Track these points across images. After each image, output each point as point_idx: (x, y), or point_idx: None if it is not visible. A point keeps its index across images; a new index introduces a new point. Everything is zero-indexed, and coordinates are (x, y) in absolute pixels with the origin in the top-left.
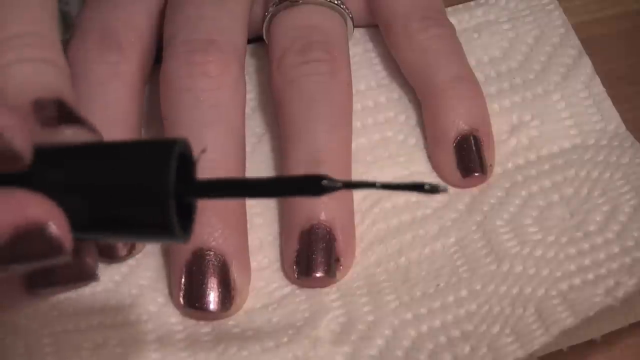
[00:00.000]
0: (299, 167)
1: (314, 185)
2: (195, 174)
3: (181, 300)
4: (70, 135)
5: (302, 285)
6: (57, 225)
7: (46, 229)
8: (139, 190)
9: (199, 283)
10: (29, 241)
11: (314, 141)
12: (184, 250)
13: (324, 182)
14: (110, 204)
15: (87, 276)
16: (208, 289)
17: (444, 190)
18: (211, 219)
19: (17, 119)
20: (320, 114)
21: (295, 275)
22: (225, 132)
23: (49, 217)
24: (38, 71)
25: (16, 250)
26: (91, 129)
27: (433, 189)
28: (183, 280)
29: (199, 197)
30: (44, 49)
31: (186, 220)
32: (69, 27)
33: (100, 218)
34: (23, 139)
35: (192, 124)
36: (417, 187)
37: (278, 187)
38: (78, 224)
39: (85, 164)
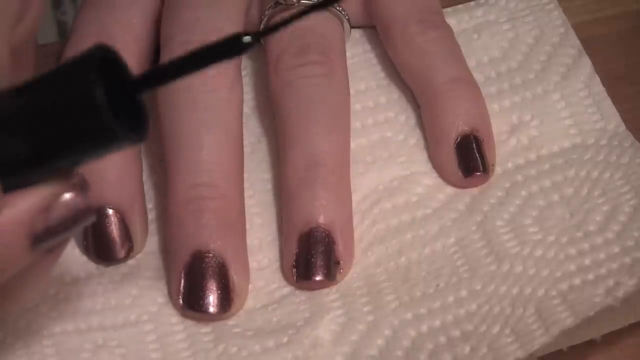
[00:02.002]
0: (297, 170)
1: (235, 43)
2: (127, 74)
3: (180, 302)
4: None
5: (301, 288)
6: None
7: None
8: (71, 103)
9: (198, 285)
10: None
11: (311, 143)
12: (183, 252)
13: (245, 38)
14: (51, 127)
15: (84, 215)
16: (207, 292)
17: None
18: (210, 222)
19: None
20: (317, 116)
21: (295, 279)
22: (222, 134)
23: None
24: None
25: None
26: None
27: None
28: (182, 282)
29: (136, 92)
30: None
31: (138, 120)
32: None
33: (49, 146)
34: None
35: (188, 125)
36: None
37: (203, 56)
38: (28, 159)
39: (15, 102)
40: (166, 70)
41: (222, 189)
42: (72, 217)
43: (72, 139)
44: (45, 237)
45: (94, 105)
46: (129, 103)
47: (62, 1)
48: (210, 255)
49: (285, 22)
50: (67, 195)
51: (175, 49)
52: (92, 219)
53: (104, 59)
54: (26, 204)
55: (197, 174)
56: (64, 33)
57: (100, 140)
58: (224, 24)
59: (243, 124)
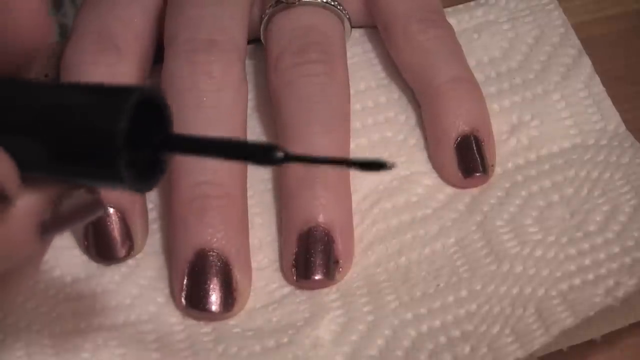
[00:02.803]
0: (297, 169)
1: (268, 153)
2: (168, 128)
3: (183, 301)
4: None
5: (301, 288)
6: (4, 176)
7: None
8: (91, 132)
9: (201, 284)
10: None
11: (311, 143)
12: (186, 251)
13: (278, 153)
14: (64, 145)
15: (92, 208)
16: (210, 290)
17: (389, 167)
18: (213, 220)
19: (7, 162)
20: (317, 115)
21: (294, 278)
22: (227, 133)
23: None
24: None
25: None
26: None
27: (379, 165)
28: (185, 281)
29: (160, 150)
30: None
31: (153, 171)
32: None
33: (55, 160)
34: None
35: (194, 124)
36: (367, 165)
37: (234, 150)
38: (37, 164)
39: (38, 102)
40: (201, 144)
41: (226, 187)
42: (81, 210)
43: (78, 157)
44: (54, 227)
45: (111, 144)
46: (152, 152)
47: (63, 3)
48: (214, 253)
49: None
50: (78, 189)
51: (179, 47)
52: (100, 212)
53: (151, 100)
54: (38, 195)
55: (201, 173)
56: (65, 35)
57: (105, 177)
58: (228, 22)
59: None
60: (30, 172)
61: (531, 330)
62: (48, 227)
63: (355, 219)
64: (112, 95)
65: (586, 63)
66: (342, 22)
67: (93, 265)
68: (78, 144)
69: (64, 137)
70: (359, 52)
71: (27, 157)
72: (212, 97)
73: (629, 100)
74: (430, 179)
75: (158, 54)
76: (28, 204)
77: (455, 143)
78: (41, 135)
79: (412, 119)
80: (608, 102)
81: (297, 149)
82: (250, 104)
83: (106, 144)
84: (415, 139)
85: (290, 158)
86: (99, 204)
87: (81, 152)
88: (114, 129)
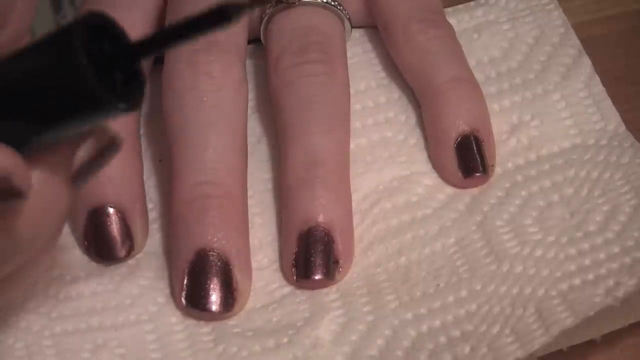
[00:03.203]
0: (297, 169)
1: (219, 15)
2: (124, 40)
3: (183, 301)
4: None
5: (301, 288)
6: (19, 173)
7: (11, 177)
8: (57, 71)
9: (201, 284)
10: None
11: (311, 143)
12: (186, 251)
13: (227, 9)
14: (38, 96)
15: (111, 146)
16: (210, 290)
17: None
18: (214, 220)
19: (17, 159)
20: (317, 115)
21: (294, 278)
22: (228, 133)
23: (13, 166)
24: None
25: None
26: None
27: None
28: (185, 281)
29: (130, 60)
30: None
31: (132, 88)
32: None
33: (44, 125)
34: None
35: (195, 124)
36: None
37: (194, 26)
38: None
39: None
40: (162, 37)
41: (227, 187)
42: (101, 152)
43: (61, 109)
44: (83, 175)
45: (77, 71)
46: (127, 71)
47: (62, 5)
48: (214, 253)
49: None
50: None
51: (180, 47)
52: (119, 147)
53: (99, 27)
54: (52, 161)
55: (202, 173)
56: None
57: (87, 108)
58: None
59: None
60: (28, 146)
61: (531, 330)
62: (77, 179)
63: (355, 219)
64: (64, 31)
65: (586, 63)
66: (342, 22)
67: (93, 265)
68: (56, 102)
69: (39, 102)
70: (359, 52)
71: (17, 136)
72: (213, 97)
73: (629, 100)
74: (430, 179)
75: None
76: (44, 177)
77: (455, 143)
78: (19, 110)
79: (412, 119)
80: (608, 102)
81: (297, 148)
82: (250, 104)
83: (79, 84)
84: (415, 139)
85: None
86: (115, 140)
87: (55, 96)
88: (74, 53)
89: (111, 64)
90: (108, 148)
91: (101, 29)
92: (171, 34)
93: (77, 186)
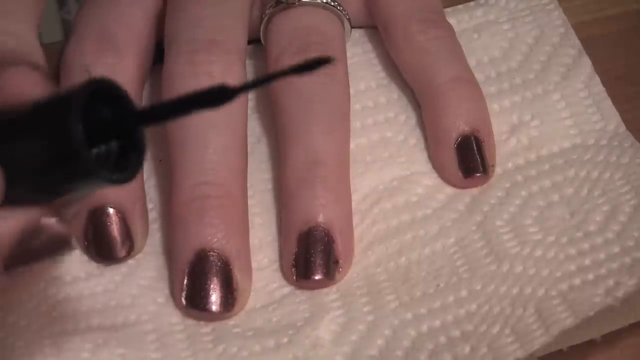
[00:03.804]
0: (297, 169)
1: (217, 95)
2: (128, 106)
3: (183, 301)
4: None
5: (301, 288)
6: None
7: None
8: (53, 140)
9: (201, 284)
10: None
11: (311, 143)
12: (186, 251)
13: (226, 90)
14: (31, 162)
15: (61, 244)
16: (210, 290)
17: (328, 62)
18: (214, 220)
19: None
20: (317, 115)
21: (294, 278)
22: (228, 133)
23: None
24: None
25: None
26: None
27: (320, 62)
28: (185, 281)
29: (134, 126)
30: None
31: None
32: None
33: (33, 179)
34: None
35: (195, 124)
36: (305, 67)
37: (195, 101)
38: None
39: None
40: (164, 109)
41: (227, 187)
42: (49, 245)
43: (52, 173)
44: (19, 262)
45: (70, 144)
46: (128, 138)
47: (67, 1)
48: (214, 253)
49: (267, 80)
50: (48, 223)
51: (180, 47)
52: (67, 249)
53: (104, 90)
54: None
55: (202, 173)
56: (69, 31)
57: (80, 179)
58: (228, 22)
59: None
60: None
61: (531, 330)
62: (13, 261)
63: (355, 219)
64: (61, 100)
65: (586, 63)
66: (342, 22)
67: (93, 265)
68: (47, 165)
69: (29, 163)
70: (359, 52)
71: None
72: None
73: (629, 100)
74: (430, 179)
75: (158, 54)
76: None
77: (455, 143)
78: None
79: (412, 119)
80: (608, 102)
81: (297, 148)
82: (250, 104)
83: (72, 155)
84: (415, 139)
85: (241, 89)
86: (67, 241)
87: (54, 171)
88: (69, 129)
89: (111, 130)
90: (59, 245)
91: (105, 93)
92: (173, 107)
93: (7, 268)
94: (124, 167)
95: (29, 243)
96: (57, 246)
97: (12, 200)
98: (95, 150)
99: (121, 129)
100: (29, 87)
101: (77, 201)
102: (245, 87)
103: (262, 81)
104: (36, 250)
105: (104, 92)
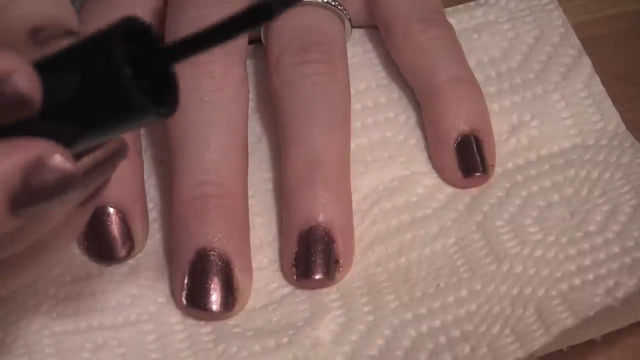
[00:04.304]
0: (297, 169)
1: (265, 9)
2: (158, 45)
3: (184, 300)
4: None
5: (301, 287)
6: (61, 155)
7: (51, 161)
8: (97, 80)
9: (201, 283)
10: (40, 177)
11: (312, 142)
12: (187, 250)
13: (254, 10)
14: (77, 102)
15: (68, 180)
16: (211, 290)
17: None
18: (215, 220)
19: (22, 61)
20: (318, 114)
21: (294, 278)
22: (228, 133)
23: (51, 150)
24: (38, 2)
25: (32, 189)
26: None
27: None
28: (186, 280)
29: (166, 64)
30: None
31: (166, 92)
32: None
33: (84, 125)
34: (31, 81)
35: (196, 124)
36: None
37: (235, 24)
38: (69, 139)
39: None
40: (196, 40)
41: (227, 187)
42: (56, 183)
43: (99, 115)
44: (27, 201)
45: (120, 83)
46: (158, 74)
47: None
48: (215, 253)
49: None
50: (56, 158)
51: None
52: (78, 191)
53: (132, 30)
54: (8, 160)
55: (203, 172)
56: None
57: (128, 116)
58: None
59: None
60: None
61: (531, 330)
62: (20, 201)
63: (355, 219)
64: (101, 38)
65: (586, 63)
66: (343, 22)
67: (93, 265)
68: (88, 96)
69: (79, 106)
70: (359, 52)
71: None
72: (214, 97)
73: (629, 100)
74: (430, 179)
75: None
76: None
77: (455, 143)
78: (58, 112)
79: (412, 119)
80: (608, 102)
81: (298, 148)
82: (251, 104)
83: (115, 83)
84: (415, 139)
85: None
86: (123, 147)
87: (94, 103)
88: (116, 65)
89: (145, 68)
90: (116, 154)
91: (133, 33)
92: (205, 36)
93: (18, 211)
94: (164, 101)
95: (34, 181)
96: (64, 183)
97: (41, 130)
98: (140, 85)
99: (153, 66)
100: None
101: (99, 147)
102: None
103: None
104: (45, 189)
105: (132, 30)
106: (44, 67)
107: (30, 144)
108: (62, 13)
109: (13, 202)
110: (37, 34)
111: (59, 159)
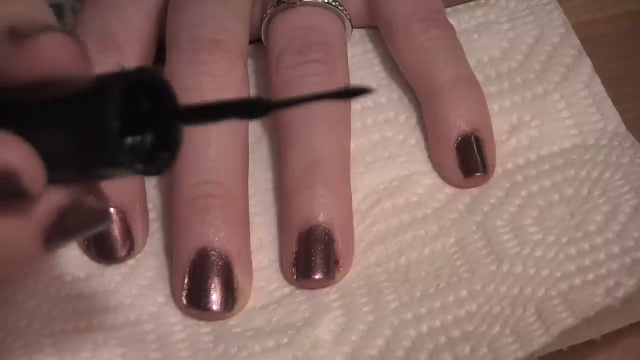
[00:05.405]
0: (297, 169)
1: (253, 106)
2: (172, 101)
3: (184, 300)
4: (49, 49)
5: (301, 287)
6: (30, 172)
7: (19, 175)
8: (87, 130)
9: (202, 283)
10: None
11: (311, 142)
12: (187, 251)
13: (262, 102)
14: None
15: (99, 218)
16: (211, 290)
17: (366, 92)
18: (215, 220)
19: (32, 157)
20: (317, 115)
21: (294, 277)
22: (229, 133)
23: (24, 163)
24: (13, 4)
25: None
26: (68, 35)
27: (353, 92)
28: (186, 280)
29: (172, 122)
30: None
31: (167, 146)
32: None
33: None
34: (37, 178)
35: None
36: (338, 94)
37: (221, 110)
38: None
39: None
40: (205, 110)
41: (228, 187)
42: (88, 221)
43: (85, 163)
44: (59, 237)
45: (103, 136)
46: (164, 130)
47: (64, 13)
48: (215, 253)
49: (299, 101)
50: (86, 199)
51: (182, 46)
52: (106, 224)
53: (149, 80)
54: (45, 202)
55: (203, 172)
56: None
57: (112, 168)
58: (230, 22)
59: None
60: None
61: (531, 330)
62: (53, 237)
63: (356, 219)
64: (94, 95)
65: (586, 63)
66: (343, 22)
67: (93, 265)
68: (79, 149)
69: (62, 143)
70: (359, 53)
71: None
72: (214, 97)
73: (629, 100)
74: (430, 179)
75: (159, 54)
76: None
77: (455, 143)
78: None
79: (412, 119)
80: (608, 102)
81: (298, 148)
82: None
83: (102, 142)
84: (415, 139)
85: (275, 105)
86: (105, 215)
87: (84, 155)
88: (103, 120)
89: (150, 121)
90: (96, 220)
91: (150, 83)
92: (212, 110)
93: (49, 244)
94: (157, 159)
95: (68, 219)
96: (95, 221)
97: (51, 179)
98: (129, 139)
99: (159, 122)
100: (66, 57)
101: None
102: (282, 103)
103: (298, 101)
104: (76, 226)
105: (148, 82)
106: (40, 109)
107: (9, 144)
108: (37, 14)
109: (47, 237)
110: (13, 33)
111: (27, 177)
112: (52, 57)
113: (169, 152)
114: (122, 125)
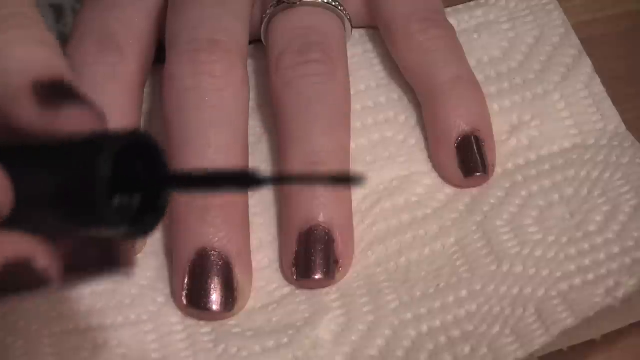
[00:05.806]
0: (297, 169)
1: (247, 179)
2: (163, 167)
3: (184, 300)
4: (71, 117)
5: (301, 287)
6: (42, 258)
7: (32, 262)
8: (78, 184)
9: (202, 283)
10: (17, 275)
11: (311, 143)
12: (187, 251)
13: (256, 177)
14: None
15: (39, 284)
16: (211, 290)
17: (358, 181)
18: (215, 220)
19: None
20: (317, 115)
21: (294, 277)
22: (229, 133)
23: (35, 252)
24: (32, 51)
25: (6, 283)
26: (92, 107)
27: (346, 180)
28: (186, 280)
29: (160, 187)
30: (32, 29)
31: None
32: (60, 18)
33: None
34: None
35: (196, 124)
36: (331, 180)
37: (212, 181)
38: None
39: (32, 172)
40: (196, 178)
41: None
42: (25, 284)
43: (70, 217)
44: (68, 280)
45: (92, 192)
46: (152, 194)
47: (64, 14)
48: (215, 253)
49: (300, 179)
50: (34, 260)
51: (182, 46)
52: (45, 292)
53: (141, 142)
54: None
55: None
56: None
57: (98, 226)
58: (230, 22)
59: None
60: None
61: (531, 330)
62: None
63: (356, 219)
64: (88, 153)
65: (586, 63)
66: (343, 22)
67: None
68: (64, 204)
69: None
70: (359, 53)
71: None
72: (214, 97)
73: (629, 100)
74: (430, 179)
75: (158, 54)
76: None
77: (455, 142)
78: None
79: (412, 119)
80: (608, 102)
81: (298, 148)
82: (251, 104)
83: (90, 201)
84: (415, 139)
85: (269, 180)
86: (47, 282)
87: (69, 210)
88: (94, 186)
89: (138, 184)
90: (36, 284)
91: (141, 144)
92: (205, 179)
93: (64, 282)
94: (142, 221)
95: (4, 275)
96: (36, 285)
97: (19, 223)
98: (117, 199)
99: (148, 186)
100: (86, 128)
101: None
102: (276, 180)
103: (292, 179)
104: (10, 285)
105: (142, 144)
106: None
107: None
108: (56, 62)
109: None
110: (37, 92)
111: (40, 263)
112: (73, 126)
113: (154, 215)
114: (112, 183)
